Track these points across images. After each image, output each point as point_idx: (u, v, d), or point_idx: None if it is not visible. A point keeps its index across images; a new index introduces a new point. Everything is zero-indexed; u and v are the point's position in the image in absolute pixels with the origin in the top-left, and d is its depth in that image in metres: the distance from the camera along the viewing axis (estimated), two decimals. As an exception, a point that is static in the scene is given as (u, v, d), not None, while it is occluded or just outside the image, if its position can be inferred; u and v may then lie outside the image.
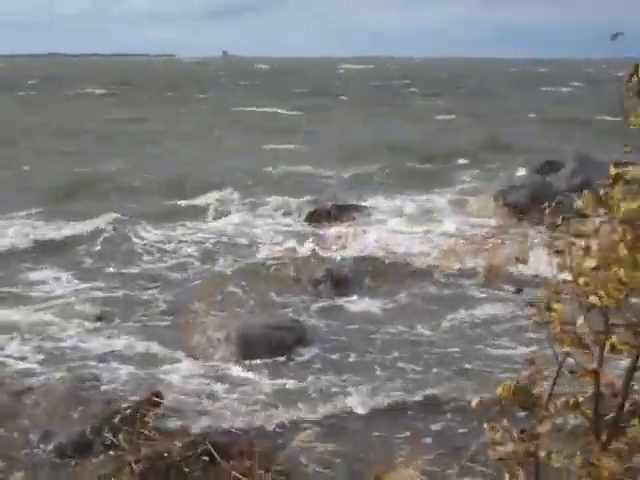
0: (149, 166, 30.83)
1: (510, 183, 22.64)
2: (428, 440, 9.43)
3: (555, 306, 3.01)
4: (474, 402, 3.19)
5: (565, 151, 26.58)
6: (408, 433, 9.59)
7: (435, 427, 9.79)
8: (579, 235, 2.98)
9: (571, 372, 3.06)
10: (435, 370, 11.62)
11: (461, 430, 9.57)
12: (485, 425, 3.14)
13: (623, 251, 2.80)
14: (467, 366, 11.75)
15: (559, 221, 3.13)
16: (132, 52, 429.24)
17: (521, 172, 24.64)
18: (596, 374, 2.99)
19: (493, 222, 20.36)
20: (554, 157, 25.31)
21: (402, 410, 10.26)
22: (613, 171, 2.99)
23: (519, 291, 3.81)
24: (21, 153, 34.12)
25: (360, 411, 10.20)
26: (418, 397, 10.58)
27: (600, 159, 21.84)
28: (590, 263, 2.85)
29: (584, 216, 3.06)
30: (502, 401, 3.05)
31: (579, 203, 3.02)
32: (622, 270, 2.76)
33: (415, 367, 11.74)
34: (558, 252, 3.09)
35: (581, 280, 2.97)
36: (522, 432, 3.03)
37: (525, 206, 20.32)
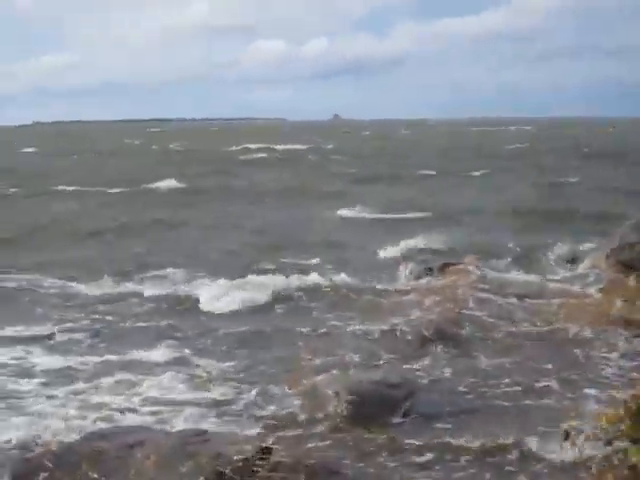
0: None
1: (623, 241, 22.31)
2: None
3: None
4: (579, 438, 3.06)
5: None
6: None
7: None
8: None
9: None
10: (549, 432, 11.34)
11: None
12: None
13: None
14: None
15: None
16: (242, 116, 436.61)
17: (633, 229, 24.21)
18: None
19: (604, 279, 20.09)
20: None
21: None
22: None
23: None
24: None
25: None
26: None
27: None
28: None
29: None
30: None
31: None
32: None
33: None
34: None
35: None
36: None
37: (639, 262, 20.01)
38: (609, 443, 2.97)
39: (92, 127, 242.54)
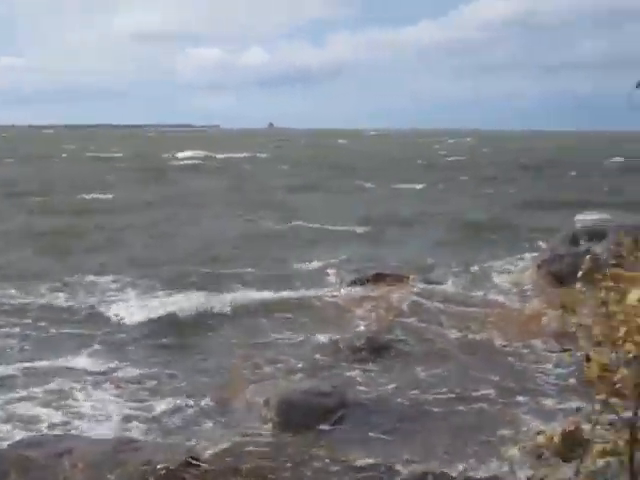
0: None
1: (553, 253, 22.64)
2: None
3: (593, 356, 2.99)
4: (511, 451, 3.15)
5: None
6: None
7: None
8: (616, 279, 2.97)
9: (609, 424, 3.02)
10: (486, 441, 11.44)
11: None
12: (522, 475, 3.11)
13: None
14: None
15: (596, 277, 3.14)
16: (178, 123, 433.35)
17: (563, 241, 24.57)
18: (632, 424, 2.95)
19: (535, 290, 20.38)
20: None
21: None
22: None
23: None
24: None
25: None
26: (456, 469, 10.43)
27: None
28: (634, 297, 2.83)
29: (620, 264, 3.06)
30: (543, 449, 3.01)
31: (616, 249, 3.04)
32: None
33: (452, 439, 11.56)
34: (603, 303, 3.09)
35: (622, 330, 2.95)
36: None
37: (568, 274, 20.31)
38: (540, 457, 3.04)
39: (28, 132, 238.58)
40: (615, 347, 2.94)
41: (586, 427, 3.14)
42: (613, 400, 2.97)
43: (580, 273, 3.17)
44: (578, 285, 3.27)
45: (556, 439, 3.03)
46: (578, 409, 3.09)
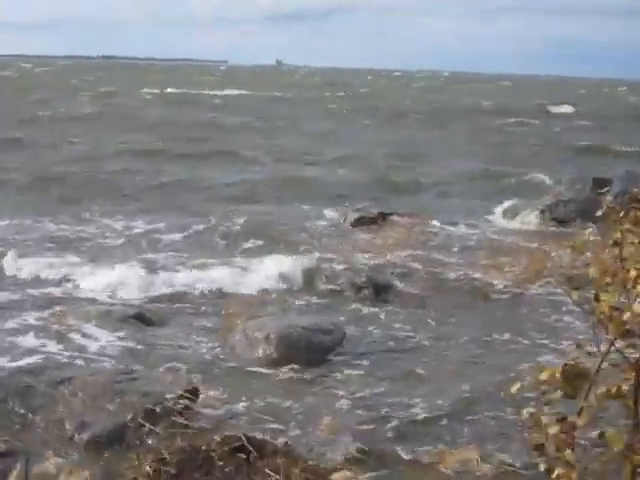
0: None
1: (557, 198, 22.64)
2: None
3: (603, 295, 2.94)
4: (514, 387, 3.12)
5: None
6: (441, 444, 9.47)
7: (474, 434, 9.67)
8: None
9: (613, 365, 2.99)
10: (477, 380, 11.44)
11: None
12: (524, 411, 3.08)
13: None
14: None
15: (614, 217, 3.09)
16: (182, 57, 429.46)
17: (569, 188, 24.45)
18: (638, 365, 2.92)
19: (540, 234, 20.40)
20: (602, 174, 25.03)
21: (434, 421, 10.14)
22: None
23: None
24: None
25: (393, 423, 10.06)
26: (456, 407, 10.46)
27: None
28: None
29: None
30: (544, 386, 2.98)
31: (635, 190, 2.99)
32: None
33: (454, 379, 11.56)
34: (615, 244, 3.04)
35: (633, 272, 2.90)
36: (562, 420, 2.96)
37: (571, 220, 20.41)
38: (543, 394, 3.02)
39: (32, 62, 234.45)
40: (625, 289, 2.89)
41: (588, 363, 3.11)
42: (620, 340, 2.94)
43: (599, 212, 3.11)
44: (589, 227, 3.25)
45: (558, 375, 3.00)
46: (578, 345, 3.05)
